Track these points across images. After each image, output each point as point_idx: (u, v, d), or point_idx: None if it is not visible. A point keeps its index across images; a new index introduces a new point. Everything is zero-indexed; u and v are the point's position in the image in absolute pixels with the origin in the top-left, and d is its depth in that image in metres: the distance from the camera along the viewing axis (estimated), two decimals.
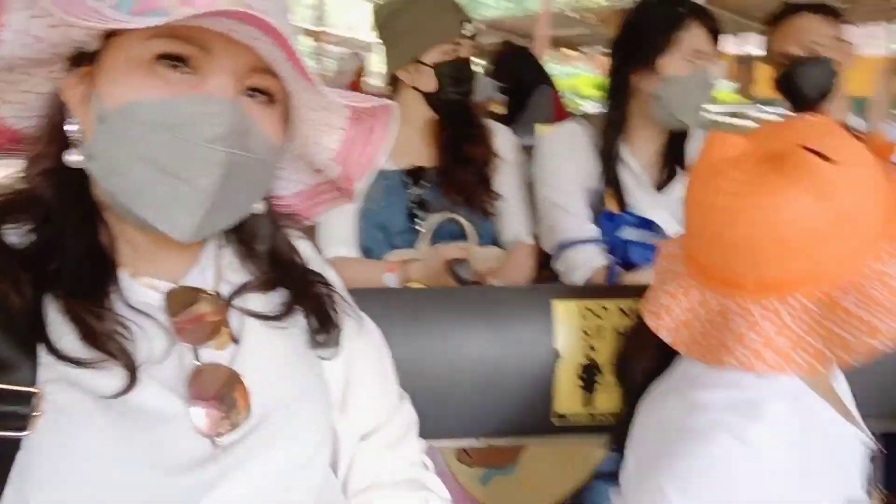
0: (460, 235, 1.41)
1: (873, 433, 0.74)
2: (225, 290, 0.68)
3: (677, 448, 0.66)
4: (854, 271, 0.62)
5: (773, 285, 0.64)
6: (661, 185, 1.42)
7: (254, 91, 0.61)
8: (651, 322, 0.73)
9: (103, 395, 0.55)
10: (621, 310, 0.99)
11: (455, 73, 1.38)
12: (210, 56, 0.57)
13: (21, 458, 0.52)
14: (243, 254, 0.72)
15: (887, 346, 0.60)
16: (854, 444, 0.71)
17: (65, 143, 0.59)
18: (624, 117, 1.40)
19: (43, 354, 0.54)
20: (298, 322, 0.71)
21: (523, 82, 2.88)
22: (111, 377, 0.56)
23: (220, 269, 0.69)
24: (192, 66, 0.57)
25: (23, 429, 0.52)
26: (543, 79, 2.98)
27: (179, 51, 0.56)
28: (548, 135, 1.51)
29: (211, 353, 0.63)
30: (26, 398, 0.52)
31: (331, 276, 0.79)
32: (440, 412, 0.95)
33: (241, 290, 0.68)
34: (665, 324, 0.72)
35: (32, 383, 0.53)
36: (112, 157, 0.57)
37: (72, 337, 0.55)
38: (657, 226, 1.34)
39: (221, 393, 0.62)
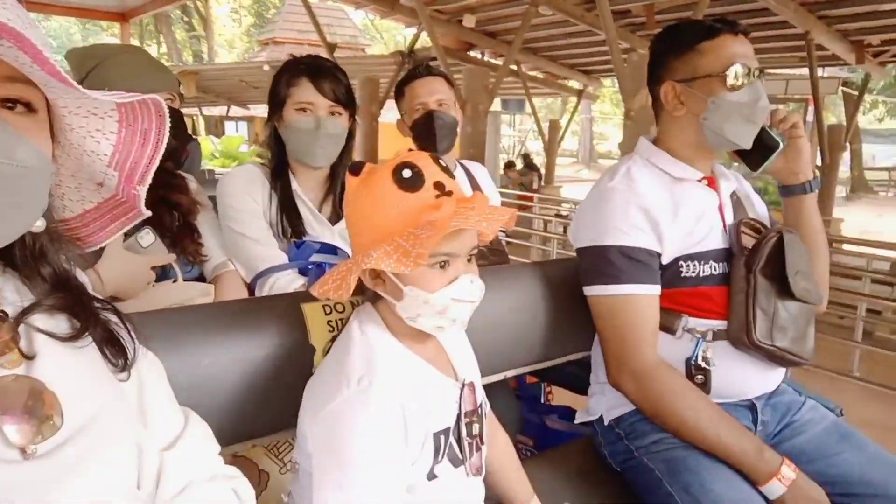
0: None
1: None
2: (10, 311, 0.66)
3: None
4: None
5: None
6: (334, 221, 1.62)
7: (8, 101, 0.59)
8: (313, 291, 0.92)
9: None
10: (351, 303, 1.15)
11: None
12: None
13: None
14: (25, 275, 0.69)
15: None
16: (444, 387, 0.96)
17: None
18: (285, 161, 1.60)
19: None
20: (92, 346, 0.71)
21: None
22: None
23: (1, 292, 0.67)
24: None
25: None
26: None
27: None
28: (227, 175, 1.65)
29: (2, 371, 0.62)
30: None
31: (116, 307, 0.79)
32: (222, 421, 0.99)
33: (28, 310, 0.67)
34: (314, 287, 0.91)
35: None
36: None
37: None
38: (340, 249, 1.54)
39: (28, 405, 0.60)
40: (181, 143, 1.46)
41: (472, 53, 9.67)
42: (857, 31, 7.24)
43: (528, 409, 1.97)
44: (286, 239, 1.57)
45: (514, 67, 10.00)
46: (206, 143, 9.03)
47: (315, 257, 1.52)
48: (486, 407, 1.07)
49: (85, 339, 0.69)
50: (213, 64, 15.84)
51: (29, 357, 0.64)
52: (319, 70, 1.53)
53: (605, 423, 1.42)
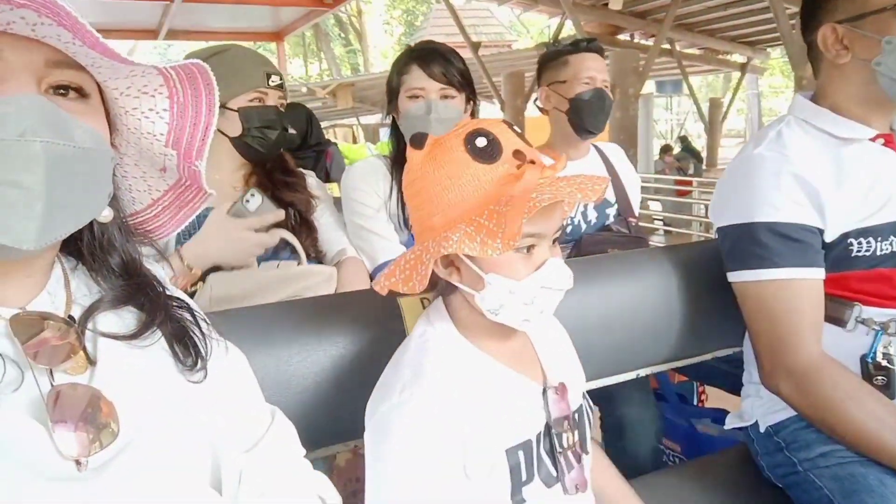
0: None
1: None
2: (77, 313, 0.64)
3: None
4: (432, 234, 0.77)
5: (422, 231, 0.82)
6: None
7: (61, 88, 0.58)
8: (377, 286, 0.81)
9: None
10: None
11: (259, 118, 1.39)
12: (0, 61, 0.54)
13: None
14: (94, 269, 0.68)
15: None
16: (525, 392, 0.83)
17: None
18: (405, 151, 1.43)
19: None
20: (160, 343, 0.68)
21: None
22: None
23: (71, 294, 0.66)
24: None
25: None
26: None
27: None
28: (350, 168, 1.65)
29: (67, 378, 0.60)
30: None
31: (192, 303, 0.76)
32: (311, 422, 0.94)
33: (92, 310, 0.65)
34: (382, 281, 0.81)
35: None
36: None
37: None
38: None
39: (87, 413, 0.58)
40: (280, 142, 1.45)
41: (620, 37, 9.25)
42: None
43: (674, 411, 1.78)
44: (407, 230, 1.55)
45: (668, 46, 9.43)
46: (363, 149, 9.52)
47: None
48: (590, 413, 0.93)
49: (152, 335, 0.67)
50: (366, 74, 16.61)
51: (93, 362, 0.63)
52: (428, 54, 1.48)
53: (762, 429, 1.21)
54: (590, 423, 0.92)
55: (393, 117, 1.58)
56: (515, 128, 0.80)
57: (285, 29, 5.17)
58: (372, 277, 1.51)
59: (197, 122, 0.67)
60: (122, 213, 0.71)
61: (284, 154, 1.53)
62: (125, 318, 0.68)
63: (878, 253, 1.10)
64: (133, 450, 0.60)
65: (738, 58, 10.89)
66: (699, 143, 11.86)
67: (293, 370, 0.96)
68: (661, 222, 8.60)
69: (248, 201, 1.33)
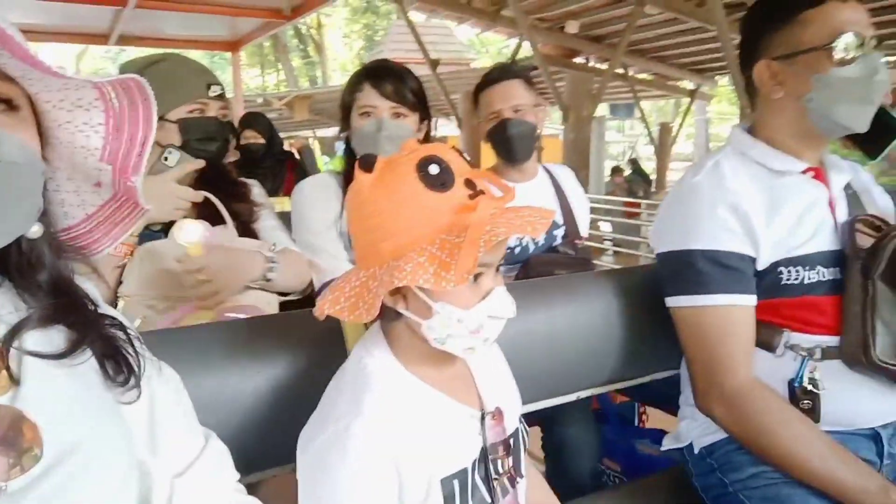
0: None
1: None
2: (1, 332, 0.62)
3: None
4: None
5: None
6: None
7: None
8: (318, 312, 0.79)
9: None
10: None
11: (199, 130, 1.36)
12: None
13: None
14: (21, 286, 0.66)
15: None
16: (461, 419, 0.83)
17: None
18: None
19: None
20: (90, 363, 0.66)
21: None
22: None
23: None
24: None
25: None
26: None
27: None
28: (301, 184, 1.65)
29: None
30: None
31: (124, 319, 0.74)
32: (247, 445, 0.94)
33: (18, 328, 0.62)
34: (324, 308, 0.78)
35: None
36: None
37: None
38: None
39: (8, 436, 0.56)
40: (222, 153, 1.43)
41: (576, 60, 9.45)
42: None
43: (615, 431, 1.81)
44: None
45: (622, 71, 9.67)
46: (320, 163, 9.49)
47: None
48: (525, 437, 0.94)
49: (82, 354, 0.65)
50: (324, 87, 16.54)
51: (16, 381, 0.60)
52: (381, 72, 1.50)
53: (696, 451, 1.25)
54: (524, 446, 0.92)
55: (347, 135, 1.58)
56: (465, 155, 0.81)
57: (242, 39, 5.12)
58: (317, 293, 1.50)
59: (134, 137, 0.65)
60: (53, 227, 0.69)
61: (225, 164, 1.51)
62: (53, 337, 0.65)
63: (806, 282, 1.15)
64: (56, 473, 0.58)
65: (687, 84, 11.24)
66: (649, 166, 12.15)
67: (230, 392, 0.94)
68: (611, 243, 8.78)
69: (166, 158, 1.32)
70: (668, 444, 1.34)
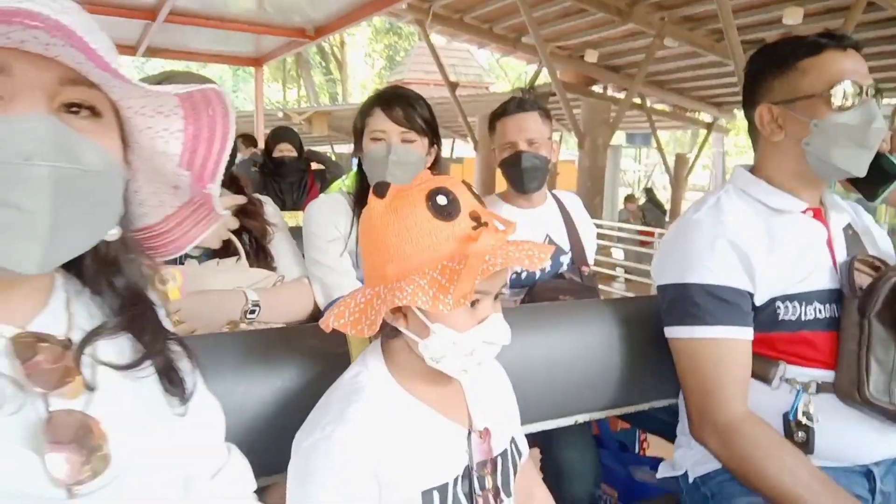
0: None
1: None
2: (76, 337, 0.63)
3: None
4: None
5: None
6: None
7: (73, 107, 0.57)
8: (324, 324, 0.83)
9: None
10: None
11: None
12: (10, 78, 0.53)
13: None
14: (96, 291, 0.68)
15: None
16: (448, 436, 0.87)
17: None
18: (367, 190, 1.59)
19: None
20: (153, 375, 0.68)
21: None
22: None
23: (72, 316, 0.65)
24: None
25: None
26: None
27: None
28: (313, 203, 1.67)
29: (62, 402, 0.59)
30: None
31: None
32: (253, 452, 0.94)
33: (93, 335, 0.64)
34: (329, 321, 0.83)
35: None
36: None
37: None
38: None
39: (79, 437, 0.58)
40: (229, 168, 1.48)
41: (594, 88, 9.53)
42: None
43: (613, 457, 1.82)
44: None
45: (639, 101, 9.73)
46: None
47: None
48: (519, 457, 0.97)
49: (146, 368, 0.67)
50: (343, 104, 16.75)
51: (90, 388, 0.62)
52: (392, 99, 1.54)
53: (691, 480, 1.27)
54: (515, 467, 0.95)
55: (359, 158, 1.63)
56: (473, 188, 0.85)
57: (266, 56, 5.22)
58: (323, 311, 1.53)
59: (211, 144, 0.66)
60: (131, 228, 0.70)
61: (240, 179, 1.56)
62: (122, 346, 0.67)
63: (803, 318, 1.17)
64: (122, 481, 0.60)
65: (705, 117, 11.29)
66: (664, 195, 12.15)
67: (238, 401, 0.98)
68: (623, 270, 8.77)
69: None
70: (663, 472, 1.36)
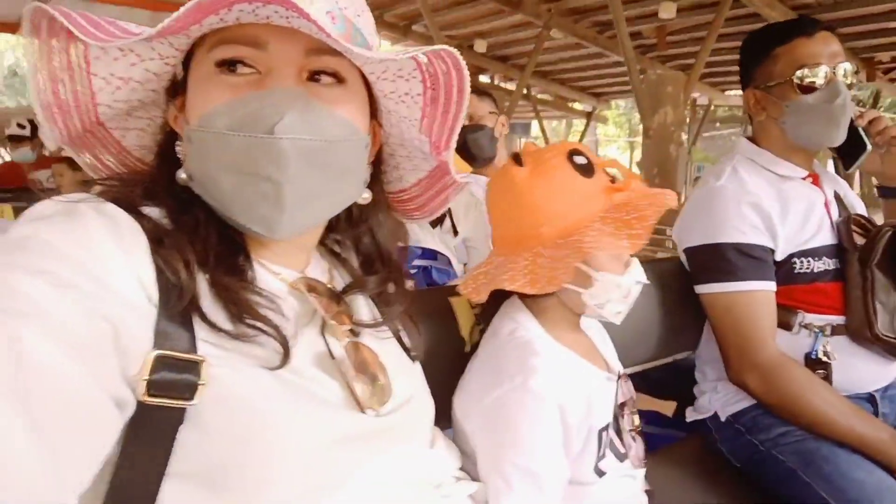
0: None
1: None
2: (338, 286, 0.70)
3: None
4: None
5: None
6: (434, 224, 1.72)
7: (319, 74, 0.59)
8: (463, 291, 0.93)
9: (264, 367, 0.54)
10: None
11: None
12: (265, 51, 0.56)
13: (185, 431, 0.50)
14: (347, 253, 0.73)
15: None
16: (600, 381, 0.95)
17: (178, 163, 0.61)
18: None
19: (197, 328, 0.53)
20: (390, 334, 0.74)
21: None
22: (264, 350, 0.55)
23: (330, 270, 0.72)
24: (251, 64, 0.56)
25: (190, 398, 0.50)
26: None
27: (233, 54, 0.56)
28: None
29: (334, 342, 0.64)
30: (193, 367, 0.50)
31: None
32: None
33: (351, 287, 0.70)
34: (467, 289, 0.93)
35: (195, 353, 0.51)
36: (202, 172, 0.57)
37: (222, 312, 0.55)
38: (440, 253, 1.67)
39: (373, 370, 0.63)
40: None
41: (482, 78, 9.79)
42: (867, 48, 7.36)
43: None
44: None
45: (525, 91, 10.14)
46: None
47: (417, 262, 1.55)
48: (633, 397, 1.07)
49: (385, 331, 0.73)
50: None
51: (355, 333, 0.66)
52: None
53: (723, 419, 1.42)
54: (635, 407, 1.05)
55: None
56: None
57: None
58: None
59: (447, 110, 0.66)
60: (386, 191, 0.73)
61: None
62: (367, 305, 0.72)
63: (816, 270, 1.36)
64: (406, 412, 0.66)
65: (584, 107, 11.94)
66: None
67: None
68: None
69: None
70: (691, 416, 1.51)
